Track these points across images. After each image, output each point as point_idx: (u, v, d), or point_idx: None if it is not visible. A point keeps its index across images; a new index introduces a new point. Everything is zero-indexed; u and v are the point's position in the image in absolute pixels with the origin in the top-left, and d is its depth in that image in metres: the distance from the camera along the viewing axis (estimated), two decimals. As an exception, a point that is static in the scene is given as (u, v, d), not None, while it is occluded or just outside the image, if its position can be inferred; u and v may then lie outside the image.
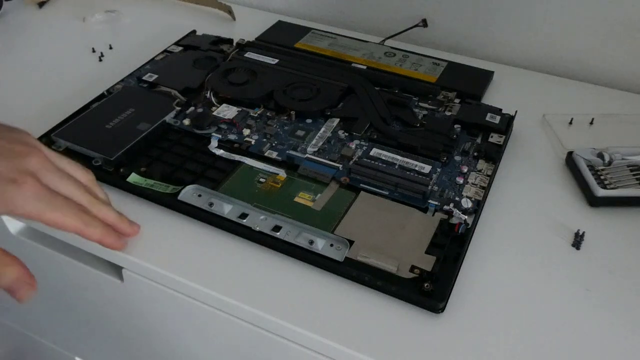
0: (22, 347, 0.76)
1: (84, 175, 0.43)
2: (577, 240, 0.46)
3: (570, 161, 0.53)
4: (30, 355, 0.76)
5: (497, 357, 0.38)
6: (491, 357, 0.38)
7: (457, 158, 0.53)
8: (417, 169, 0.51)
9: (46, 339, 0.70)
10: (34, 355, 0.76)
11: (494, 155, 0.52)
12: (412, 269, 0.42)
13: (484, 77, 0.65)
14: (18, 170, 0.37)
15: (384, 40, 0.72)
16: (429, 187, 0.49)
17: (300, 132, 0.55)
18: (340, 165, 0.51)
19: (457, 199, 0.48)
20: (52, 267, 0.55)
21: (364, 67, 0.64)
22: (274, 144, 0.54)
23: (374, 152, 0.53)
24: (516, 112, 0.57)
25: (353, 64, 0.65)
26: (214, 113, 0.57)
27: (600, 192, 0.49)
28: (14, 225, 0.54)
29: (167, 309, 0.49)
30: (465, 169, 0.51)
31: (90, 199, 0.41)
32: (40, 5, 0.80)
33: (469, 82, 0.64)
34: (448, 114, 0.58)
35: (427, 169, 0.51)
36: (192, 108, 0.58)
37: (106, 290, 0.52)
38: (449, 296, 0.41)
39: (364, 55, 0.68)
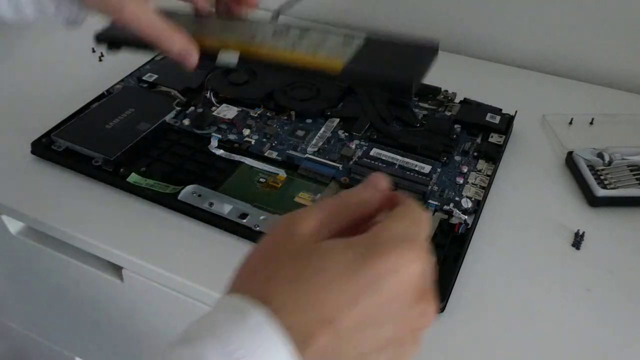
0: (22, 347, 0.76)
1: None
2: (577, 240, 0.46)
3: (570, 161, 0.53)
4: (30, 355, 0.76)
5: (496, 356, 0.38)
6: (491, 356, 0.38)
7: (457, 158, 0.52)
8: (417, 169, 0.51)
9: (46, 339, 0.70)
10: (34, 355, 0.76)
11: (494, 155, 0.52)
12: (412, 269, 0.42)
13: (421, 57, 0.40)
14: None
15: (276, 14, 0.49)
16: (429, 187, 0.49)
17: (300, 132, 0.55)
18: (340, 165, 0.51)
19: (457, 199, 0.48)
20: (52, 267, 0.55)
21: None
22: (274, 144, 0.54)
23: (374, 152, 0.52)
24: (516, 112, 0.57)
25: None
26: (214, 113, 0.57)
27: (600, 192, 0.49)
28: (14, 225, 0.54)
29: (167, 309, 0.49)
30: (465, 169, 0.51)
31: None
32: (40, 5, 0.80)
33: (398, 64, 0.40)
34: (448, 114, 0.58)
35: (427, 169, 0.51)
36: (192, 108, 0.57)
37: (106, 290, 0.52)
38: (448, 296, 0.41)
39: (242, 37, 0.43)
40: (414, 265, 0.24)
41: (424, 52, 0.40)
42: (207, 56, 0.41)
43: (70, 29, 0.42)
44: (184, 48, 0.40)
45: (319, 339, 0.22)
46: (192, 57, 0.40)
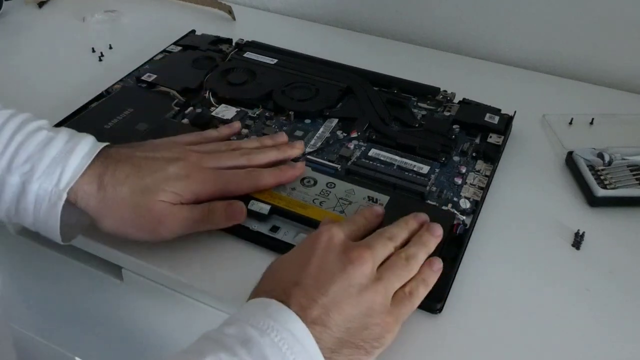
0: (22, 346, 0.76)
1: (224, 135, 0.51)
2: (577, 240, 0.46)
3: (570, 161, 0.53)
4: (30, 355, 0.76)
5: (495, 357, 0.38)
6: (489, 357, 0.38)
7: (456, 158, 0.52)
8: (415, 169, 0.50)
9: (46, 339, 0.70)
10: (34, 355, 0.76)
11: (492, 156, 0.52)
12: (411, 269, 0.42)
13: (438, 219, 0.43)
14: (185, 167, 0.43)
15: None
16: (427, 187, 0.49)
17: (298, 133, 0.55)
18: (339, 166, 0.51)
19: (455, 199, 0.48)
20: (52, 267, 0.55)
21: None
22: (272, 144, 0.54)
23: (373, 152, 0.52)
24: (515, 112, 0.57)
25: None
26: (213, 113, 0.57)
27: (600, 192, 0.49)
28: (14, 225, 0.54)
29: (167, 309, 0.49)
30: (463, 170, 0.51)
31: (244, 153, 0.47)
32: (40, 5, 0.80)
33: None
34: (447, 114, 0.57)
35: (425, 169, 0.50)
36: (190, 108, 0.57)
37: (106, 290, 0.52)
38: (446, 297, 0.41)
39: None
40: (329, 232, 0.37)
41: (441, 217, 0.44)
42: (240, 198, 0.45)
43: (63, 243, 0.43)
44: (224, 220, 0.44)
45: (297, 295, 0.34)
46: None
